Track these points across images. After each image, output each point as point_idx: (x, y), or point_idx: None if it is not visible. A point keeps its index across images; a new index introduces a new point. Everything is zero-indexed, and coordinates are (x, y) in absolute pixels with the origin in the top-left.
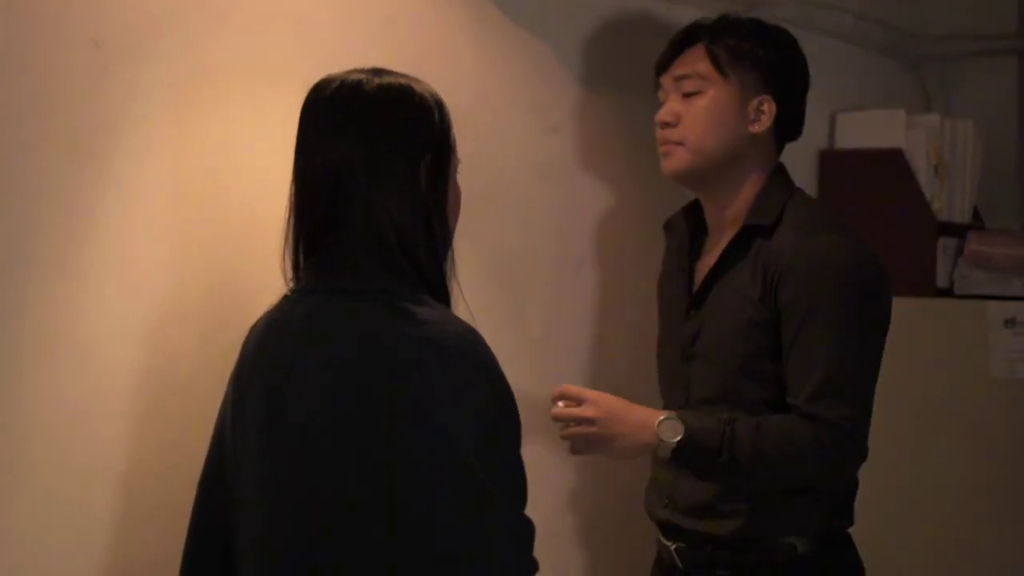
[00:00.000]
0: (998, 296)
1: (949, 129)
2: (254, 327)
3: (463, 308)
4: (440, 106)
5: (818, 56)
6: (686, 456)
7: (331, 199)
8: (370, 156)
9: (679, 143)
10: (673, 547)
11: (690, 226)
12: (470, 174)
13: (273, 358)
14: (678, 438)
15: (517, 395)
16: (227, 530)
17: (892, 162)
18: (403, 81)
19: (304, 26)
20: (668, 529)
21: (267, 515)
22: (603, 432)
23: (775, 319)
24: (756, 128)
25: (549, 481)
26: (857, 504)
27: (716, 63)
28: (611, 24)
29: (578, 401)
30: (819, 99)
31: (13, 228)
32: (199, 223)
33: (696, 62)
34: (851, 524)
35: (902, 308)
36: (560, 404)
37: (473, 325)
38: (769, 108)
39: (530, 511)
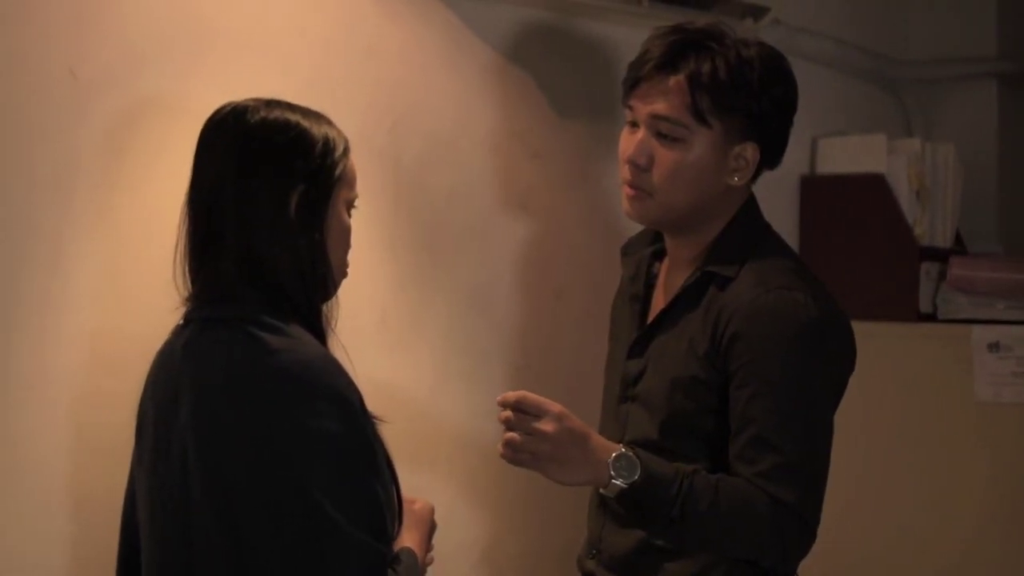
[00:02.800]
0: (982, 320)
1: (930, 153)
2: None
3: (334, 339)
4: (328, 142)
5: (799, 81)
6: (633, 500)
7: (206, 223)
8: (239, 182)
9: (647, 192)
10: None
11: (648, 251)
12: (452, 204)
13: (161, 388)
14: (632, 480)
15: (496, 425)
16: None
17: (874, 187)
18: (290, 116)
19: (284, 58)
20: None
21: (147, 541)
22: (554, 452)
23: (722, 380)
24: (736, 180)
25: (462, 529)
26: (842, 529)
27: (697, 113)
28: (590, 50)
29: (537, 413)
30: (800, 124)
31: None
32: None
33: (674, 104)
34: None
35: (886, 333)
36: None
37: (344, 357)
38: (753, 155)
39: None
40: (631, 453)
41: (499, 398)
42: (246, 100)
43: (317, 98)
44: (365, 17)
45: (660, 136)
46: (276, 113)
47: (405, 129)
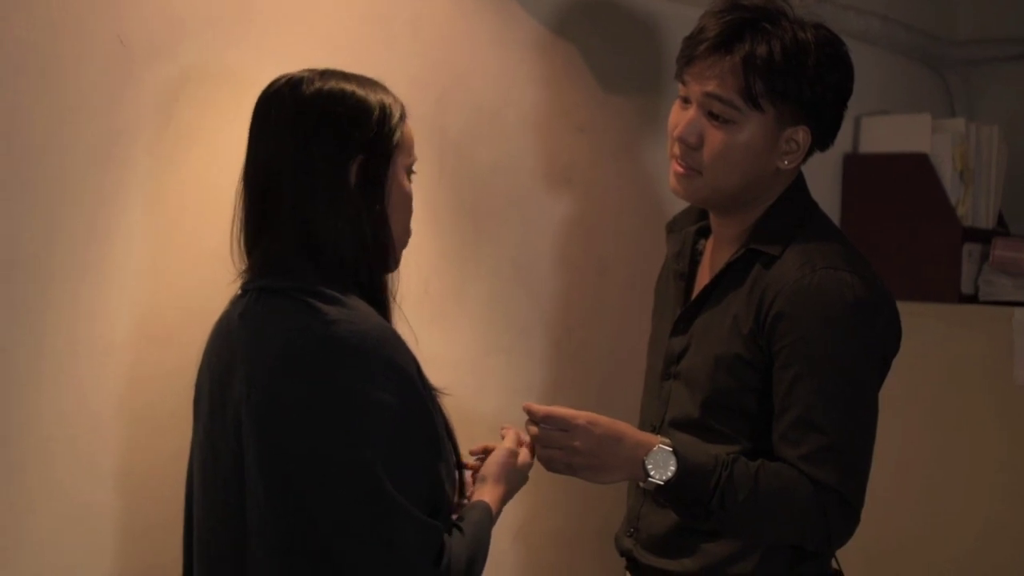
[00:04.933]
0: (1023, 302)
1: (974, 134)
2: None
3: (396, 312)
4: (384, 109)
5: None
6: (671, 493)
7: (264, 197)
8: (296, 155)
9: (697, 170)
10: None
11: (693, 228)
12: (496, 177)
13: (217, 358)
14: (668, 476)
15: (537, 399)
16: None
17: (917, 167)
18: (345, 85)
19: (330, 28)
20: (631, 563)
21: (200, 511)
22: (588, 461)
23: (766, 360)
24: (786, 164)
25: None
26: (878, 512)
27: (751, 97)
28: (636, 24)
29: (564, 427)
30: None
31: (36, 231)
32: (224, 225)
33: (728, 85)
34: (829, 567)
35: (927, 314)
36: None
37: (407, 331)
38: (804, 138)
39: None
40: (668, 447)
41: (525, 407)
42: (300, 71)
43: (364, 69)
44: None
45: (712, 116)
46: (331, 83)
47: (451, 102)
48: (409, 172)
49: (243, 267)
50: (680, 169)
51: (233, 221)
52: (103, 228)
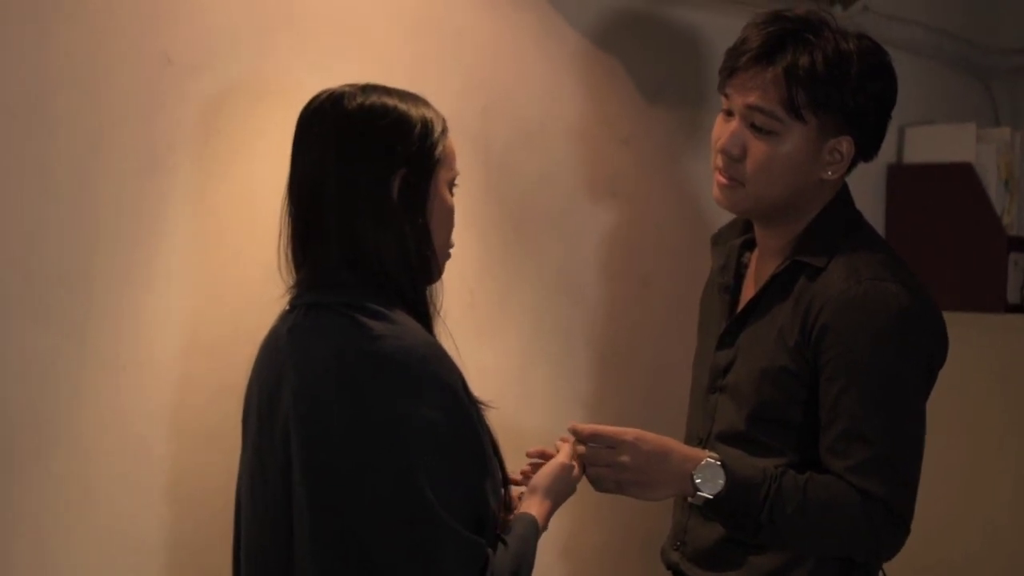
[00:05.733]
0: None
1: (1020, 143)
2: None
3: (440, 324)
4: (426, 123)
5: None
6: (720, 508)
7: (308, 212)
8: (339, 170)
9: (740, 181)
10: None
11: (739, 241)
12: (540, 188)
13: (265, 374)
14: (717, 490)
15: (581, 411)
16: None
17: (962, 176)
18: (387, 100)
19: (376, 42)
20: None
21: (247, 523)
22: (636, 478)
23: (812, 372)
24: (830, 175)
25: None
26: (927, 524)
27: (793, 108)
28: (680, 36)
29: (611, 444)
30: None
31: (81, 242)
32: (267, 238)
33: (770, 96)
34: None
35: (972, 323)
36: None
37: (450, 344)
38: (848, 149)
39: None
40: (716, 461)
41: (571, 428)
42: (342, 86)
43: (408, 82)
44: (457, 1)
45: (754, 128)
46: (373, 98)
47: (496, 113)
48: (451, 186)
49: (292, 282)
50: (723, 180)
51: (280, 236)
52: (147, 240)
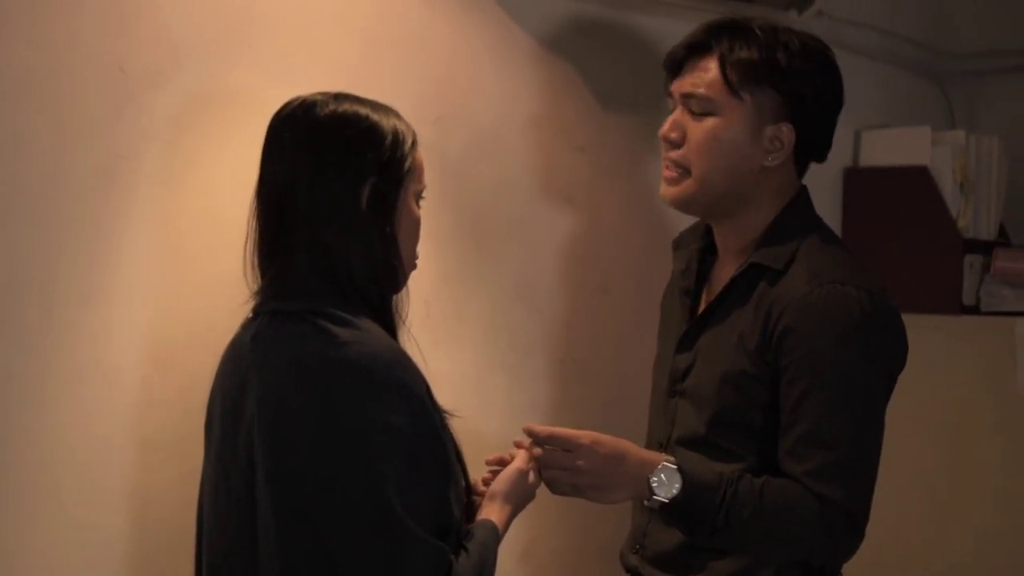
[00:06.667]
0: None
1: (975, 145)
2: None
3: (404, 332)
4: (397, 135)
5: (843, 73)
6: (677, 511)
7: (277, 217)
8: (311, 175)
9: (685, 169)
10: None
11: (699, 245)
12: (497, 197)
13: (228, 381)
14: (673, 494)
15: (540, 419)
16: None
17: (917, 179)
18: (359, 108)
19: (331, 50)
20: None
21: (210, 530)
22: (594, 482)
23: (773, 375)
24: (770, 161)
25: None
26: (882, 523)
27: (728, 84)
28: (636, 43)
29: (568, 447)
30: (843, 116)
31: (40, 255)
32: (228, 248)
33: (706, 78)
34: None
35: (928, 326)
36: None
37: (412, 348)
38: (788, 136)
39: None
40: (673, 465)
41: (526, 428)
42: (314, 94)
43: (362, 90)
44: (411, 9)
45: (692, 113)
46: (345, 106)
47: (451, 122)
48: (418, 199)
49: (256, 288)
50: (670, 173)
51: (246, 242)
52: (106, 252)
